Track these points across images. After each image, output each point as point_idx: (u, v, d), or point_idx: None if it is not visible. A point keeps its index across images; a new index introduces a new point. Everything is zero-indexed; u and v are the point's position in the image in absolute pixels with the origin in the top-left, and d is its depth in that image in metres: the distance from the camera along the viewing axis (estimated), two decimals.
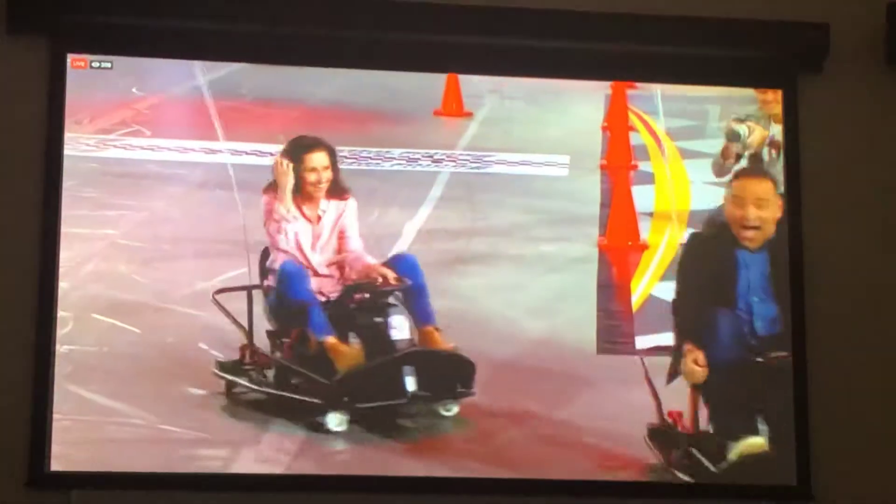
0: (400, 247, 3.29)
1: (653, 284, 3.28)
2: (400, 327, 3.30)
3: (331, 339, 3.25)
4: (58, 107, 3.28)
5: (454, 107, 3.38)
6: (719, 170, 3.37)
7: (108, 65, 3.32)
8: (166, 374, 3.13)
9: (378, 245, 3.29)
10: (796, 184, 3.44)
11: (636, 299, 3.27)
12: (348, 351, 3.26)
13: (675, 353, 3.24)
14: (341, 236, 3.33)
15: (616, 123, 3.37)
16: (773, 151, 3.39)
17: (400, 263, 3.32)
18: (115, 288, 3.17)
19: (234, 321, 3.25)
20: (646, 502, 3.28)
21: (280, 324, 3.28)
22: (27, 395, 3.17)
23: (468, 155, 3.35)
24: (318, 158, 3.32)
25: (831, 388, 3.37)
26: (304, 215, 3.31)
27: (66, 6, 3.31)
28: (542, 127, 3.37)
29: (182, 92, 3.31)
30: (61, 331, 3.15)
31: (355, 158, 3.30)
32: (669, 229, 3.31)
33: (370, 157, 3.31)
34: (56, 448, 3.07)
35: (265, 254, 3.29)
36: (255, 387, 3.25)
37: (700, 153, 3.38)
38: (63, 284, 3.16)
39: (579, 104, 3.39)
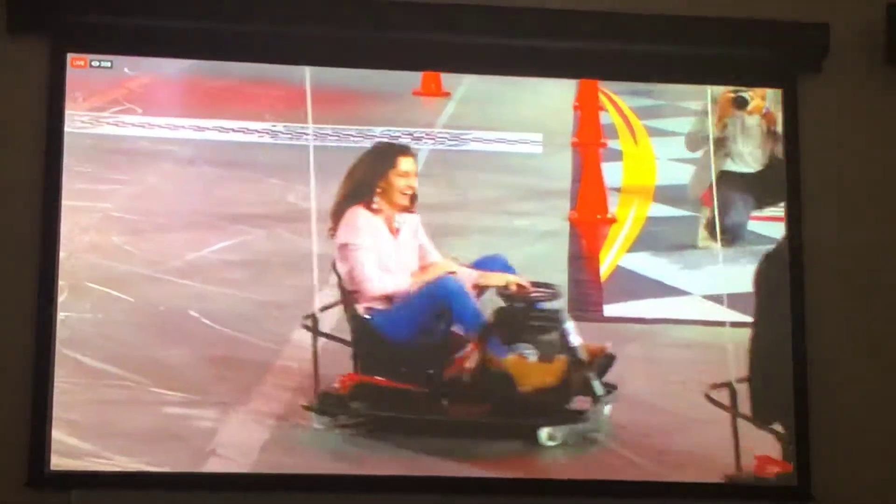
0: None
1: (620, 256, 3.42)
2: (574, 332, 3.33)
3: (513, 357, 3.28)
4: (58, 106, 3.36)
5: (433, 87, 3.51)
6: (696, 144, 3.49)
7: (108, 64, 3.41)
8: (158, 340, 3.25)
9: None
10: (796, 183, 3.48)
11: (604, 270, 3.41)
12: (535, 366, 3.28)
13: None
14: (421, 251, 3.37)
15: (586, 103, 3.49)
16: (766, 123, 3.49)
17: (494, 264, 3.36)
18: (108, 258, 3.30)
19: (345, 342, 3.28)
20: (645, 502, 3.35)
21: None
22: (27, 396, 3.23)
23: (446, 133, 3.49)
24: (409, 164, 3.38)
25: (831, 387, 3.39)
26: (389, 228, 3.38)
27: (66, 6, 3.39)
28: (517, 106, 3.50)
29: (173, 71, 3.43)
30: (58, 298, 3.27)
31: (338, 136, 3.44)
32: (636, 204, 3.45)
33: (352, 135, 3.44)
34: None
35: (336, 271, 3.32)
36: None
37: (666, 131, 3.52)
38: (60, 255, 3.28)
39: (552, 85, 3.51)
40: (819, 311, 3.43)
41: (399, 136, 3.46)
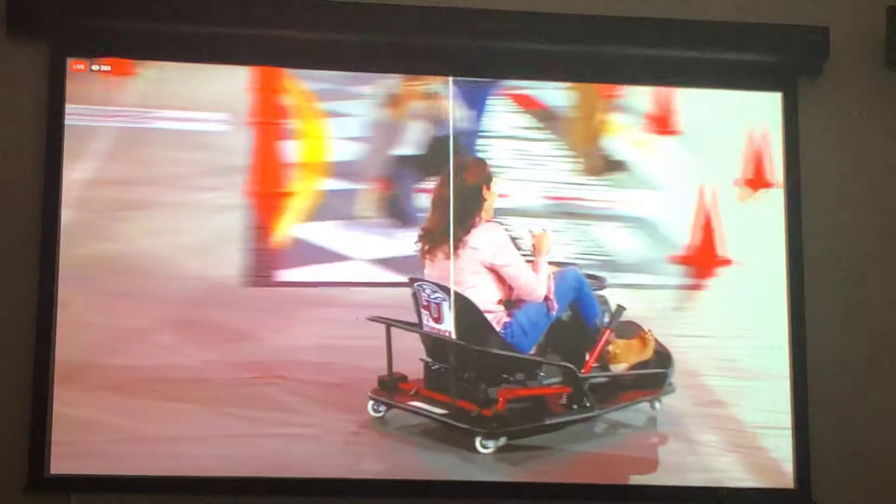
0: (68, 195, 3.53)
1: (295, 226, 3.63)
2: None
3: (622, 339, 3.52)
4: (57, 110, 3.42)
5: (124, 66, 3.63)
6: (372, 128, 3.70)
7: (108, 68, 3.49)
8: None
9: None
10: (796, 186, 3.59)
11: (280, 239, 3.63)
12: (631, 344, 3.53)
13: None
14: None
15: (266, 85, 3.69)
16: (434, 110, 3.70)
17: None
18: None
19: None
20: None
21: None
22: (26, 400, 3.28)
23: (134, 111, 3.63)
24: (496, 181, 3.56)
25: (831, 389, 3.48)
26: None
27: (66, 10, 3.43)
28: (203, 86, 3.66)
29: None
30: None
31: None
32: (311, 178, 3.67)
33: None
34: None
35: None
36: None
37: (340, 113, 3.74)
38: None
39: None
40: (819, 313, 3.52)
41: (85, 114, 3.57)
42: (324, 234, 3.65)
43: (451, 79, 3.67)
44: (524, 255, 3.55)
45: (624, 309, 3.59)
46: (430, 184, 3.69)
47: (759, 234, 3.68)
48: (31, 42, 3.46)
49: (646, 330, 3.59)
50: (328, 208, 3.66)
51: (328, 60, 3.64)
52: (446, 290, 3.48)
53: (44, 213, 3.43)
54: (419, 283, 3.55)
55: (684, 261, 3.64)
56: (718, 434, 3.60)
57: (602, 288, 3.63)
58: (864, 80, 3.65)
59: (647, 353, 3.58)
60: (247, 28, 3.58)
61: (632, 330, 3.60)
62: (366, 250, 3.65)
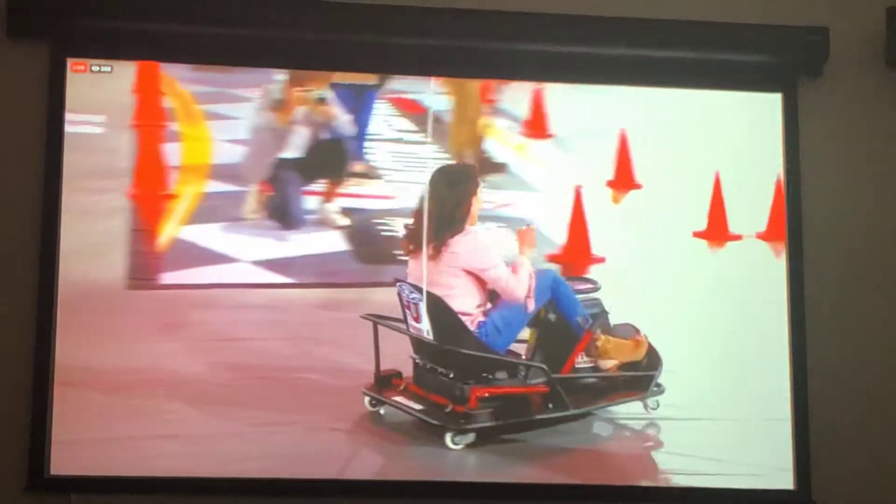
0: None
1: (178, 228, 3.66)
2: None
3: (604, 338, 3.58)
4: (58, 111, 3.42)
5: None
6: (255, 132, 3.71)
7: (108, 69, 3.48)
8: None
9: None
10: (797, 188, 3.61)
11: (163, 242, 3.64)
12: (625, 344, 3.58)
13: None
14: None
15: (147, 87, 3.68)
16: (319, 115, 3.75)
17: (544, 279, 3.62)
18: None
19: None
20: None
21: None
22: (26, 400, 3.24)
23: None
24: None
25: (831, 389, 3.48)
26: None
27: (66, 11, 3.41)
28: (81, 89, 3.61)
29: None
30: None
31: None
32: (193, 180, 3.70)
33: None
34: None
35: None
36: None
37: (222, 115, 3.77)
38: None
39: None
40: (819, 314, 3.53)
41: None
42: (209, 236, 3.66)
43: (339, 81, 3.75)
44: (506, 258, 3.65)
45: (608, 312, 3.71)
46: (316, 187, 3.75)
47: (628, 233, 3.83)
48: (30, 42, 3.47)
49: (641, 333, 3.70)
50: (213, 210, 3.68)
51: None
52: (422, 290, 3.56)
53: (43, 214, 3.45)
54: (400, 283, 3.62)
55: (561, 259, 3.79)
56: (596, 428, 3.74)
57: (595, 290, 3.73)
58: (864, 80, 3.68)
59: (639, 355, 3.67)
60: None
61: (628, 332, 3.72)
62: (252, 252, 3.69)
